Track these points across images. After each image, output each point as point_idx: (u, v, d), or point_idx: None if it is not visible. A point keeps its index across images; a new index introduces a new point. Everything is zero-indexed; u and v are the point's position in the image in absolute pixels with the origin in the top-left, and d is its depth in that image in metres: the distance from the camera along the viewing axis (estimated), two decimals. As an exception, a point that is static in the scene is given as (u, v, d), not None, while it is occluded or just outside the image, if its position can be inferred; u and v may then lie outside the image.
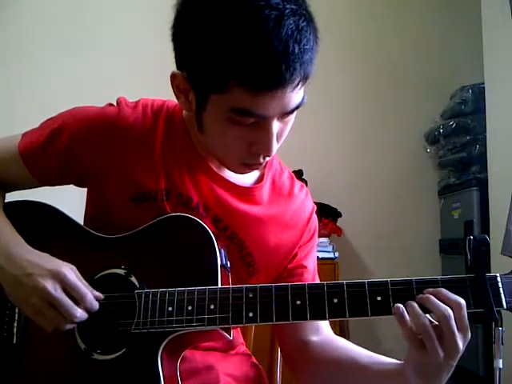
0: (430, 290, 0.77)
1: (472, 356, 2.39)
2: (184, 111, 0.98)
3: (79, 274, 0.87)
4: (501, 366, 0.98)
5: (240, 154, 0.87)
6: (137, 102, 0.99)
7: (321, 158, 2.97)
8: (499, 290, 0.77)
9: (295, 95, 0.80)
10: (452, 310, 0.74)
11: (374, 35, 3.09)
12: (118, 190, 0.95)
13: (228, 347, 1.06)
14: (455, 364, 0.77)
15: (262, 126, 0.81)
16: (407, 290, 0.78)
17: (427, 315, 0.76)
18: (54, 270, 0.84)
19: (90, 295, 0.85)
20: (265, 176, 1.02)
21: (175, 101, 0.98)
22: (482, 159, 2.55)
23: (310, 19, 0.79)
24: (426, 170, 3.04)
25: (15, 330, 0.91)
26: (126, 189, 0.94)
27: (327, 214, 2.72)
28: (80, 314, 0.84)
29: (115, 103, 0.99)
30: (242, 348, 1.12)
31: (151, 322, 0.84)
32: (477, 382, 2.43)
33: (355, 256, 2.96)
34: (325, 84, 2.45)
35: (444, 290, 0.77)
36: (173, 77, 0.86)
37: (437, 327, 0.75)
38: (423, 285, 0.78)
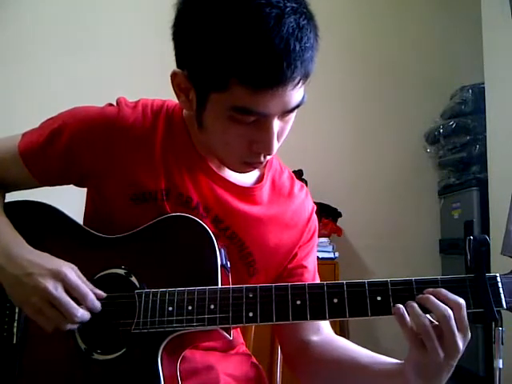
0: (430, 290, 0.77)
1: (472, 356, 2.39)
2: (184, 111, 0.98)
3: (80, 274, 0.87)
4: (501, 366, 0.98)
5: (240, 153, 0.87)
6: (137, 102, 0.99)
7: (321, 158, 2.97)
8: (499, 290, 0.77)
9: (296, 93, 0.80)
10: (452, 310, 0.74)
11: (373, 35, 3.09)
12: (117, 190, 0.95)
13: (228, 347, 1.06)
14: (455, 364, 0.77)
15: (262, 125, 0.81)
16: (407, 290, 0.78)
17: (427, 315, 0.76)
18: (54, 269, 0.84)
19: (92, 295, 0.85)
20: (265, 176, 1.02)
21: (175, 101, 0.98)
22: (482, 159, 2.55)
23: (310, 17, 0.79)
24: (426, 170, 3.04)
25: (15, 329, 0.91)
26: (126, 189, 0.94)
27: (327, 213, 2.72)
28: (81, 313, 0.84)
29: (115, 103, 0.99)
30: (242, 348, 1.12)
31: (151, 322, 0.84)
32: (477, 382, 2.43)
33: (355, 256, 2.96)
34: (325, 84, 2.45)
35: (444, 290, 0.77)
36: (173, 75, 0.86)
37: (437, 327, 0.75)
38: (423, 285, 0.78)
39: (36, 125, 1.01)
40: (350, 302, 0.79)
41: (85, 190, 1.03)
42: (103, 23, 3.05)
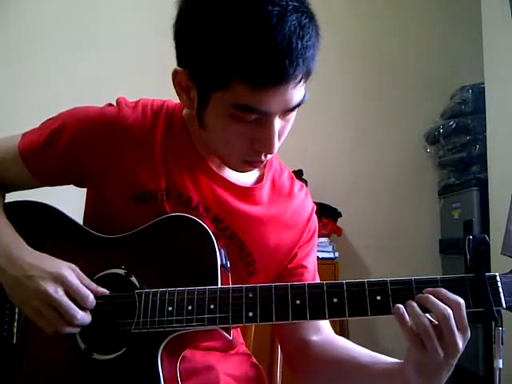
0: (430, 289, 0.77)
1: (472, 356, 2.39)
2: (184, 111, 0.98)
3: (81, 273, 0.87)
4: (501, 366, 0.98)
5: (242, 151, 0.87)
6: (136, 102, 0.99)
7: (321, 158, 2.97)
8: (499, 290, 0.77)
9: (297, 92, 0.80)
10: (451, 309, 0.74)
11: (373, 35, 3.09)
12: (117, 190, 0.95)
13: (228, 347, 1.06)
14: (455, 363, 0.77)
15: (264, 123, 0.81)
16: (407, 290, 0.78)
17: (427, 315, 0.76)
18: (55, 272, 0.84)
19: (92, 297, 0.86)
20: (265, 176, 1.02)
21: (175, 101, 0.98)
22: (482, 159, 2.55)
23: (311, 16, 0.79)
24: (426, 170, 3.04)
25: (15, 329, 0.91)
26: (125, 189, 0.94)
27: (327, 214, 2.72)
28: (81, 316, 0.84)
29: (115, 103, 0.99)
30: (242, 348, 1.12)
31: (151, 322, 0.84)
32: (477, 382, 2.43)
33: (355, 256, 2.96)
34: (325, 84, 2.45)
35: (443, 290, 0.77)
36: (175, 74, 0.86)
37: (436, 327, 0.75)
38: (423, 284, 0.78)
39: (36, 125, 1.01)
40: (350, 301, 0.79)
41: (85, 190, 1.03)
42: (103, 23, 3.05)
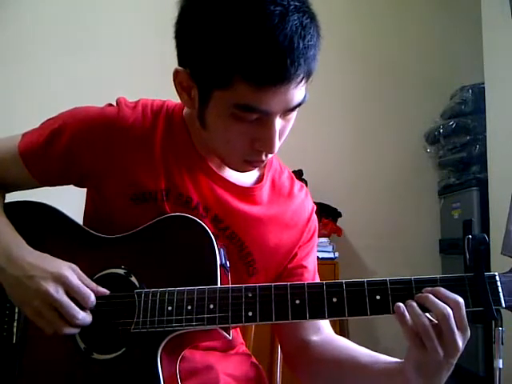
0: (429, 288, 0.77)
1: (472, 356, 2.39)
2: (184, 110, 0.98)
3: (81, 273, 0.87)
4: (501, 366, 0.97)
5: (242, 151, 0.87)
6: (136, 102, 0.99)
7: (321, 158, 2.97)
8: (498, 289, 0.77)
9: (298, 92, 0.80)
10: (451, 308, 0.74)
11: (373, 35, 3.09)
12: (117, 190, 0.95)
13: (228, 347, 1.06)
14: (455, 362, 0.77)
15: (264, 123, 0.82)
16: (406, 289, 0.78)
17: (427, 314, 0.76)
18: (56, 272, 0.84)
19: (93, 297, 0.86)
20: (265, 176, 1.02)
21: (175, 101, 0.98)
22: (482, 159, 2.55)
23: (312, 16, 0.80)
24: (426, 170, 3.04)
25: (15, 329, 0.91)
26: (125, 189, 0.94)
27: (327, 214, 2.72)
28: (82, 316, 0.84)
29: (115, 103, 0.99)
30: (242, 348, 1.12)
31: (151, 322, 0.84)
32: (477, 382, 2.43)
33: (355, 256, 2.96)
34: (325, 84, 2.45)
35: (442, 289, 0.77)
36: (176, 74, 0.86)
37: (436, 326, 0.75)
38: (422, 284, 0.78)
39: (36, 125, 1.01)
40: (350, 301, 0.79)
41: (85, 190, 1.03)
42: (103, 23, 3.05)
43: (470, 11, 2.78)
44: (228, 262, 0.90)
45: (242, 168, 0.93)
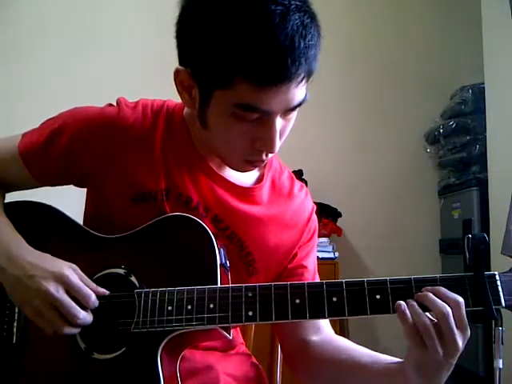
0: (429, 288, 0.77)
1: (472, 356, 2.39)
2: (184, 110, 0.98)
3: (82, 273, 0.87)
4: (501, 366, 0.98)
5: (243, 151, 0.87)
6: (137, 103, 0.99)
7: (321, 158, 2.97)
8: (498, 288, 0.77)
9: (299, 91, 0.80)
10: (450, 307, 0.74)
11: (373, 35, 3.09)
12: (117, 191, 0.95)
13: (228, 347, 1.06)
14: (455, 362, 0.77)
15: (265, 122, 0.82)
16: (406, 289, 0.78)
17: (427, 313, 0.76)
18: (56, 272, 0.84)
19: (94, 296, 0.86)
20: (265, 176, 1.02)
21: (175, 101, 0.98)
22: (482, 159, 2.55)
23: (313, 16, 0.80)
24: (426, 170, 3.04)
25: (15, 329, 0.91)
26: (125, 189, 0.94)
27: (327, 214, 2.72)
28: (83, 315, 0.84)
29: (115, 103, 0.99)
30: (242, 348, 1.12)
31: (151, 322, 0.84)
32: (477, 382, 2.43)
33: (355, 256, 2.96)
34: (325, 84, 2.45)
35: (442, 288, 0.77)
36: (176, 73, 0.86)
37: (436, 325, 0.75)
38: (422, 283, 0.78)
39: (36, 125, 1.01)
40: (350, 300, 0.79)
41: (85, 190, 1.03)
42: (103, 23, 3.05)
43: (470, 11, 2.79)
44: (228, 262, 0.90)
45: (242, 168, 0.93)
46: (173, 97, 0.98)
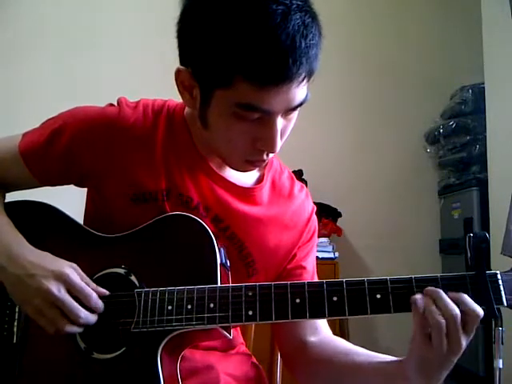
0: (455, 295, 0.75)
1: (472, 356, 2.39)
2: (185, 110, 0.98)
3: (82, 273, 0.87)
4: (501, 366, 0.97)
5: (244, 150, 0.87)
6: (137, 102, 0.99)
7: (321, 158, 2.97)
8: (499, 288, 0.77)
9: (300, 91, 0.80)
10: (468, 316, 0.74)
11: (373, 35, 3.09)
12: (118, 191, 0.95)
13: (228, 347, 1.06)
14: (455, 361, 0.77)
15: (266, 122, 0.82)
16: (407, 288, 0.78)
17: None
18: (57, 271, 0.84)
19: (95, 295, 0.86)
20: (265, 176, 1.02)
21: (176, 101, 0.98)
22: (482, 159, 2.55)
23: (314, 16, 0.80)
24: (426, 170, 3.04)
25: (15, 329, 0.91)
26: (126, 189, 0.94)
27: (327, 214, 2.72)
28: (84, 314, 0.84)
29: (116, 103, 0.99)
30: (242, 348, 1.12)
31: (151, 321, 0.84)
32: (477, 382, 2.43)
33: (355, 256, 2.96)
34: (325, 84, 2.45)
35: (467, 297, 0.75)
36: (177, 73, 0.86)
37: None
38: (423, 283, 0.78)
39: (36, 125, 1.01)
40: (350, 300, 0.79)
41: (85, 190, 1.03)
42: (103, 23, 3.05)
43: (470, 11, 2.79)
44: (228, 261, 0.90)
45: (243, 168, 0.93)
46: (173, 97, 0.98)
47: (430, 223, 2.99)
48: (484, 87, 2.56)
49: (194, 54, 0.82)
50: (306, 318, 0.80)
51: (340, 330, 2.36)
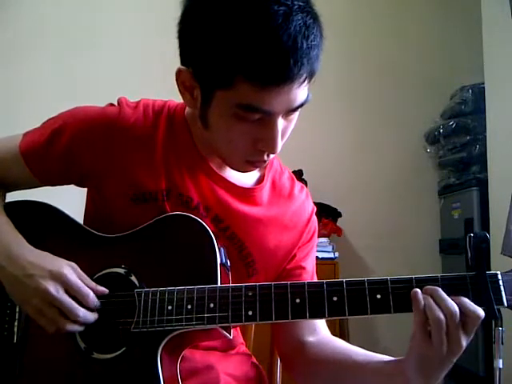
0: (455, 298, 0.75)
1: (472, 356, 2.39)
2: (186, 110, 0.98)
3: (81, 272, 0.87)
4: (501, 366, 0.97)
5: (244, 151, 0.87)
6: (138, 102, 0.99)
7: (321, 158, 2.97)
8: (500, 288, 0.77)
9: (301, 92, 0.80)
10: (468, 317, 0.74)
11: (373, 35, 3.09)
12: (118, 191, 0.95)
13: (228, 347, 1.06)
14: (454, 361, 0.77)
15: (267, 123, 0.82)
16: (407, 288, 0.78)
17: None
18: (55, 271, 0.84)
19: (92, 295, 0.86)
20: (265, 177, 1.02)
21: (177, 101, 0.98)
22: (482, 159, 2.55)
23: (316, 17, 0.80)
24: (426, 170, 3.04)
25: (16, 329, 0.91)
26: (126, 189, 0.94)
27: (327, 213, 2.72)
28: (83, 313, 0.84)
29: (116, 103, 0.99)
30: (242, 348, 1.12)
31: (151, 321, 0.84)
32: (477, 382, 2.43)
33: (355, 256, 2.96)
34: (325, 84, 2.45)
35: (468, 301, 0.75)
36: (178, 73, 0.86)
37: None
38: (423, 283, 0.78)
39: (36, 125, 1.01)
40: (350, 300, 0.79)
41: (85, 190, 1.03)
42: (103, 23, 3.05)
43: (470, 11, 2.78)
44: (228, 261, 0.90)
45: (243, 168, 0.93)
46: (173, 97, 0.98)
47: (429, 223, 2.99)
48: (484, 87, 2.56)
49: (194, 54, 0.82)
50: (306, 318, 0.80)
51: (340, 330, 2.36)
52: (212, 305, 0.82)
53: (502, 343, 0.86)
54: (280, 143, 0.84)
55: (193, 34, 0.81)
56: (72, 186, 1.02)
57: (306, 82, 0.80)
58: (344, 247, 2.80)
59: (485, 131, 2.53)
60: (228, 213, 0.96)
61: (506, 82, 2.33)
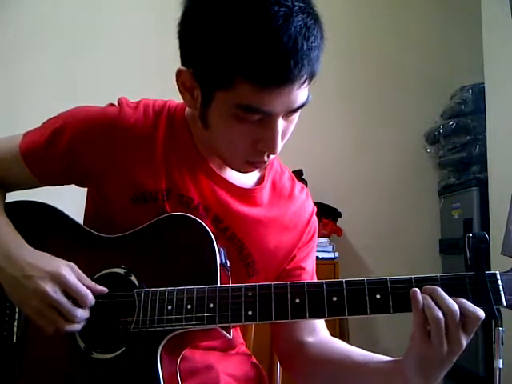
0: (455, 299, 0.75)
1: (472, 356, 2.39)
2: (186, 111, 0.98)
3: (80, 273, 0.87)
4: (501, 366, 0.98)
5: (244, 151, 0.87)
6: (138, 103, 0.99)
7: (321, 158, 2.97)
8: (499, 288, 0.77)
9: (301, 93, 0.80)
10: (468, 318, 0.74)
11: (373, 35, 3.09)
12: (118, 191, 0.95)
13: (228, 347, 1.06)
14: (454, 361, 0.77)
15: (267, 124, 0.81)
16: (406, 288, 0.78)
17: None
18: (53, 272, 0.84)
19: (91, 295, 0.86)
20: (265, 177, 1.01)
21: (177, 101, 0.98)
22: (482, 159, 2.55)
23: (316, 18, 0.80)
24: (426, 170, 3.04)
25: (15, 329, 0.91)
26: (126, 189, 0.94)
27: (327, 214, 2.72)
28: (80, 313, 0.84)
29: (116, 103, 0.99)
30: (242, 348, 1.12)
31: (150, 321, 0.84)
32: (477, 382, 2.43)
33: (355, 256, 2.96)
34: (325, 84, 2.44)
35: (467, 302, 0.75)
36: (178, 73, 0.86)
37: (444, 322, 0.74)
38: (422, 283, 0.78)
39: (36, 125, 1.01)
40: (349, 300, 0.79)
41: (85, 190, 1.03)
42: (103, 23, 3.05)
43: (470, 11, 2.78)
44: (228, 262, 0.90)
45: (243, 169, 0.93)
46: (173, 97, 0.98)
47: (429, 223, 2.99)
48: (484, 87, 2.56)
49: (195, 54, 0.82)
50: (305, 318, 0.80)
51: (340, 330, 2.35)
52: (212, 305, 0.82)
53: (502, 343, 0.87)
54: (280, 144, 0.84)
55: (193, 34, 0.81)
56: (72, 186, 1.02)
57: (307, 83, 0.80)
58: (344, 247, 2.80)
59: (485, 131, 2.53)
60: (228, 213, 0.96)
61: (506, 82, 2.33)
